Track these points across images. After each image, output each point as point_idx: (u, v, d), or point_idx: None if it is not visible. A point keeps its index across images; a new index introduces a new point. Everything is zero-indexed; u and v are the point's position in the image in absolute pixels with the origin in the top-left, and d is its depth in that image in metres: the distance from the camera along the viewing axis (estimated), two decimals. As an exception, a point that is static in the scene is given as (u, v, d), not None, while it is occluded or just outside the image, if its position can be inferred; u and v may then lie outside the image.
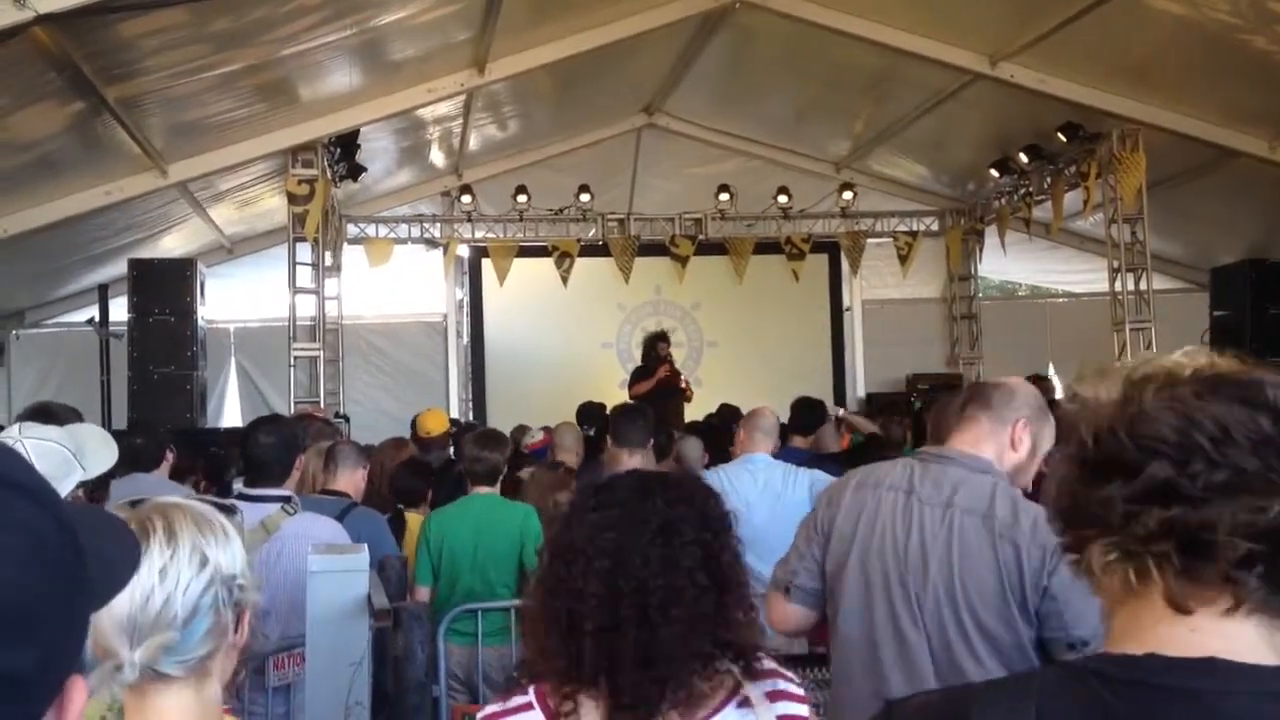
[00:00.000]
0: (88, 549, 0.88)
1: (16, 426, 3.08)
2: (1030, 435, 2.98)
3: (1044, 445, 3.02)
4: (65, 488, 2.94)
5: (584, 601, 1.88)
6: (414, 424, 8.54)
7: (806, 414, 7.55)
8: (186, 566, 1.71)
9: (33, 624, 0.81)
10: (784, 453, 6.63)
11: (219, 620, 1.74)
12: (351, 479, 5.08)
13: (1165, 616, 1.16)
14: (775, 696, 1.97)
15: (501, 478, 5.58)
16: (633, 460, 5.52)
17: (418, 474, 6.22)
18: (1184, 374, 1.19)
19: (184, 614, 1.69)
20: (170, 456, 6.00)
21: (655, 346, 11.66)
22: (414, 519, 5.76)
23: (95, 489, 4.28)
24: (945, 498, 2.84)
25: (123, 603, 1.64)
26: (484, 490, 5.43)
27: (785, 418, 8.04)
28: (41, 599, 0.82)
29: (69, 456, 2.99)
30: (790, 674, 2.06)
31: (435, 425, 8.02)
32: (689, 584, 1.86)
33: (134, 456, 6.01)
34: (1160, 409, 1.16)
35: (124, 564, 1.02)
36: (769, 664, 2.02)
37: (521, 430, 9.70)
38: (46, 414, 3.98)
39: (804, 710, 2.00)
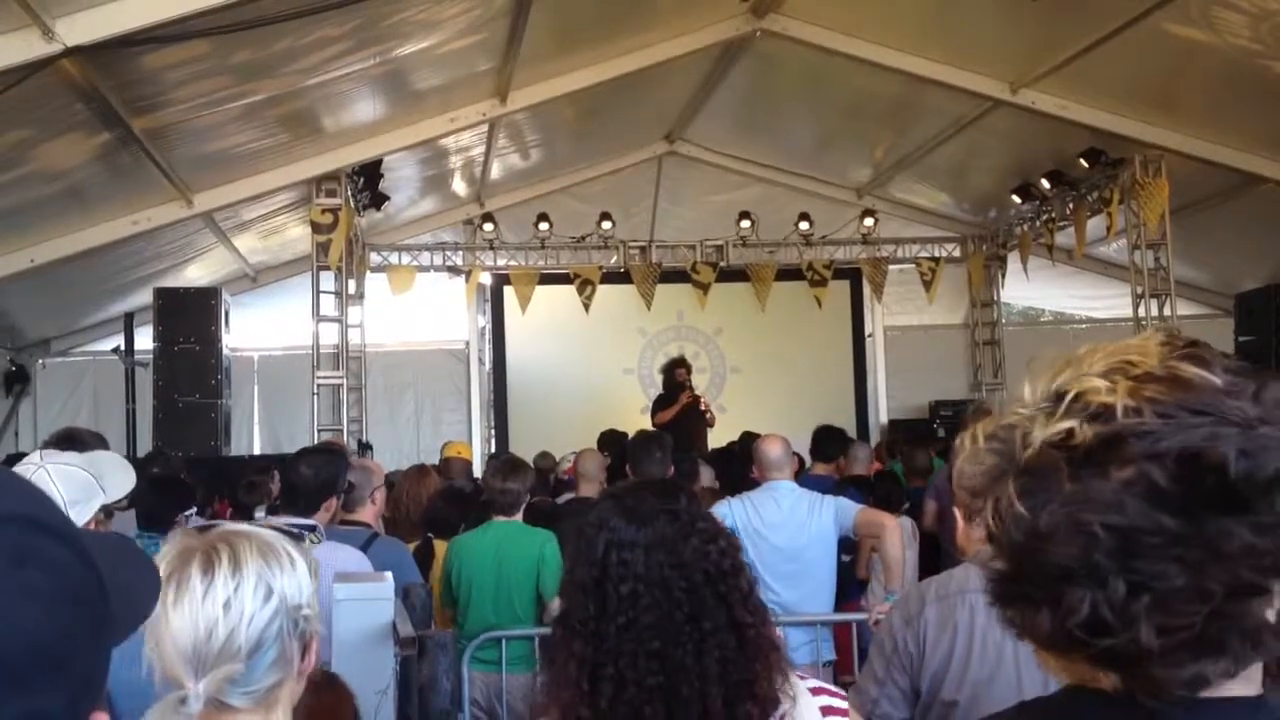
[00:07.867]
0: (109, 582, 0.87)
1: (38, 453, 3.11)
2: None
3: None
4: (89, 510, 2.97)
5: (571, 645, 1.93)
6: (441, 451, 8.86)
7: (828, 442, 7.70)
8: (251, 598, 1.69)
9: (63, 664, 0.80)
10: (806, 479, 6.67)
11: (285, 651, 1.72)
12: (372, 509, 5.09)
13: None
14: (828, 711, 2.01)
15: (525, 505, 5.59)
16: None
17: (454, 503, 6.16)
18: None
19: (249, 646, 1.67)
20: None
21: (674, 373, 11.60)
22: (443, 549, 5.71)
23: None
24: None
25: (186, 633, 1.64)
26: (505, 518, 5.42)
27: (805, 443, 8.16)
28: (70, 639, 0.81)
29: (91, 480, 3.02)
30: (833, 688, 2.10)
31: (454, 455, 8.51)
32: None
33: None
34: None
35: (145, 595, 1.02)
36: (809, 682, 2.05)
37: (545, 457, 9.74)
38: (72, 440, 4.00)
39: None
